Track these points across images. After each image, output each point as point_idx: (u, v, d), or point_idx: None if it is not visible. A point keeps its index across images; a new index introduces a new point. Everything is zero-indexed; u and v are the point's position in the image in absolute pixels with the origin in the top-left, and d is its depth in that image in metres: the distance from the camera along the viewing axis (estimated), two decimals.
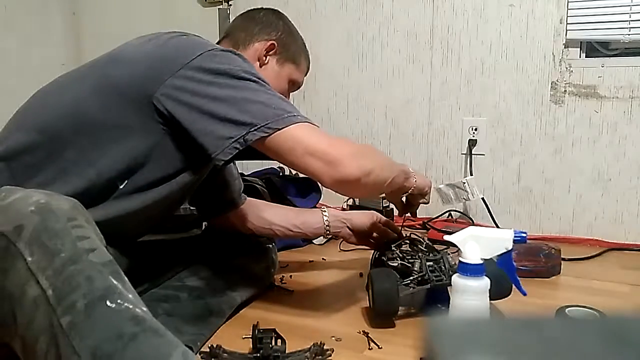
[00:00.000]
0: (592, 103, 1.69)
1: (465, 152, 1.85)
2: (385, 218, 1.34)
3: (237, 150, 0.92)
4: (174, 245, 1.21)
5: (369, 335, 1.02)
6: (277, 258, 1.34)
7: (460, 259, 0.89)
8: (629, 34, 1.62)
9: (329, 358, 0.93)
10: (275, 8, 1.25)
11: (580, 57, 1.71)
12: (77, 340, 0.67)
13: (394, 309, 1.04)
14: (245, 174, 1.65)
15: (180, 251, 1.20)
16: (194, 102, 0.92)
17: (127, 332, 0.68)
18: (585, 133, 1.71)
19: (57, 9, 2.36)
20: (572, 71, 1.70)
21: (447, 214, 1.86)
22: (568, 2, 1.67)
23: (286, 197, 1.63)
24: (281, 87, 1.16)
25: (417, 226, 1.80)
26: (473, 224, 1.72)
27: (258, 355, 0.89)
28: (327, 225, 1.30)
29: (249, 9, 1.25)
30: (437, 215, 1.85)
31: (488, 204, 1.77)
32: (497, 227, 1.70)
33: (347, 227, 1.31)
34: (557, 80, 1.72)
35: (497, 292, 0.98)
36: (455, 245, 0.92)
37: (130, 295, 0.72)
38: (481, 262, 0.88)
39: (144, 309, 0.72)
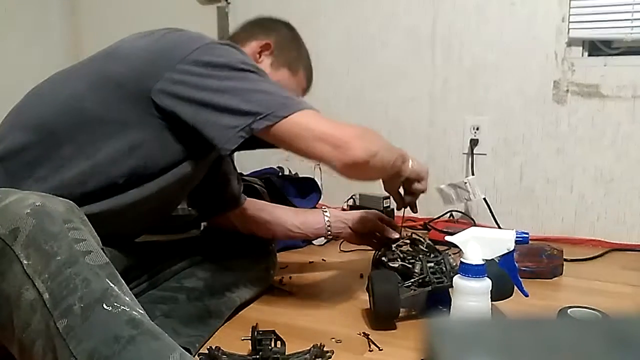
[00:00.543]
0: (594, 102, 1.68)
1: (466, 151, 1.84)
2: (387, 217, 1.33)
3: (243, 139, 0.92)
4: (172, 246, 1.21)
5: (370, 336, 1.01)
6: (277, 259, 1.34)
7: (462, 259, 0.89)
8: (631, 33, 1.61)
9: None
10: (280, 13, 1.23)
11: (582, 56, 1.70)
12: (74, 343, 0.67)
13: (395, 312, 1.04)
14: (245, 174, 1.64)
15: (179, 252, 1.19)
16: (194, 96, 0.92)
17: (124, 335, 0.68)
18: (587, 132, 1.69)
19: (56, 8, 2.36)
20: (574, 70, 1.69)
21: (448, 214, 1.85)
22: (570, 0, 1.66)
23: (286, 198, 1.62)
24: None
25: (418, 227, 1.79)
26: (474, 225, 1.71)
27: (257, 357, 0.89)
28: (328, 226, 1.29)
29: (260, 16, 1.23)
30: (438, 215, 1.84)
31: (490, 204, 1.76)
32: (499, 227, 1.69)
33: (349, 227, 1.30)
34: (559, 80, 1.71)
35: (499, 293, 0.97)
36: (457, 246, 0.92)
37: (127, 298, 0.72)
38: (483, 262, 0.88)
39: (141, 311, 0.72)
